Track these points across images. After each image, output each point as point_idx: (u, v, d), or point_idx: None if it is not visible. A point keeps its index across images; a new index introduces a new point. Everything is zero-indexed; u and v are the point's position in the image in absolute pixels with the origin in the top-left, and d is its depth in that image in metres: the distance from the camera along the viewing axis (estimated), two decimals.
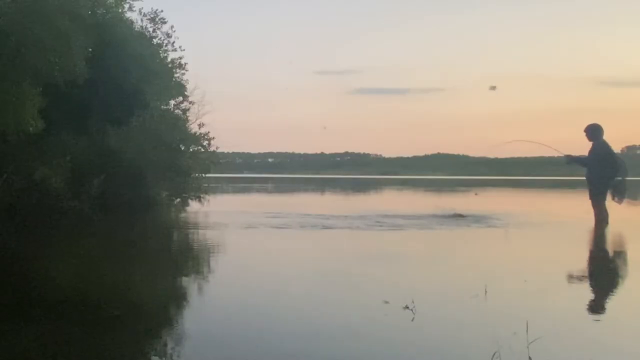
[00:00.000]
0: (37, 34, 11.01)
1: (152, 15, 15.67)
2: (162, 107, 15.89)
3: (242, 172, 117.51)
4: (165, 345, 3.23)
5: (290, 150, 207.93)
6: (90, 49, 12.46)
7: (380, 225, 10.01)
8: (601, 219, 9.98)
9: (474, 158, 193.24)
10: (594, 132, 10.11)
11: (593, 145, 10.14)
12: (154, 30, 15.78)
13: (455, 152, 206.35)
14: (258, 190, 31.15)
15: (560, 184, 43.88)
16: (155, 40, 15.73)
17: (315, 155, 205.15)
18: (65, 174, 11.87)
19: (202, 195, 15.05)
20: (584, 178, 10.46)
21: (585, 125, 10.18)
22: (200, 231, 9.77)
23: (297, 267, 6.03)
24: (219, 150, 16.33)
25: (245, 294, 4.55)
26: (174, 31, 15.89)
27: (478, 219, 11.18)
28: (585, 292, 5.00)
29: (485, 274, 5.34)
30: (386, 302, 4.03)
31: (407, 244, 8.20)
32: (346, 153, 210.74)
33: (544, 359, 2.93)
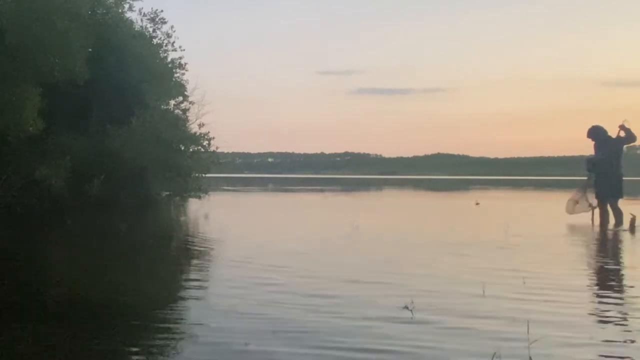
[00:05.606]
0: (37, 34, 11.02)
1: (152, 15, 15.72)
2: (162, 107, 15.91)
3: (242, 172, 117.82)
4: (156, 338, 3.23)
5: (290, 150, 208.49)
6: (90, 49, 12.47)
7: None
8: (619, 220, 9.35)
9: (474, 158, 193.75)
10: (596, 133, 9.81)
11: (606, 143, 9.68)
12: (154, 30, 15.83)
13: (455, 152, 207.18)
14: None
15: (564, 184, 43.84)
16: (155, 40, 15.76)
17: (315, 155, 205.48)
18: (65, 174, 11.87)
19: (201, 195, 15.08)
20: (589, 176, 9.98)
21: (587, 127, 9.94)
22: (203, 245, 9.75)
23: None
24: (219, 150, 16.34)
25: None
26: (174, 31, 15.93)
27: None
28: None
29: None
30: None
31: None
32: (346, 153, 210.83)
33: None
